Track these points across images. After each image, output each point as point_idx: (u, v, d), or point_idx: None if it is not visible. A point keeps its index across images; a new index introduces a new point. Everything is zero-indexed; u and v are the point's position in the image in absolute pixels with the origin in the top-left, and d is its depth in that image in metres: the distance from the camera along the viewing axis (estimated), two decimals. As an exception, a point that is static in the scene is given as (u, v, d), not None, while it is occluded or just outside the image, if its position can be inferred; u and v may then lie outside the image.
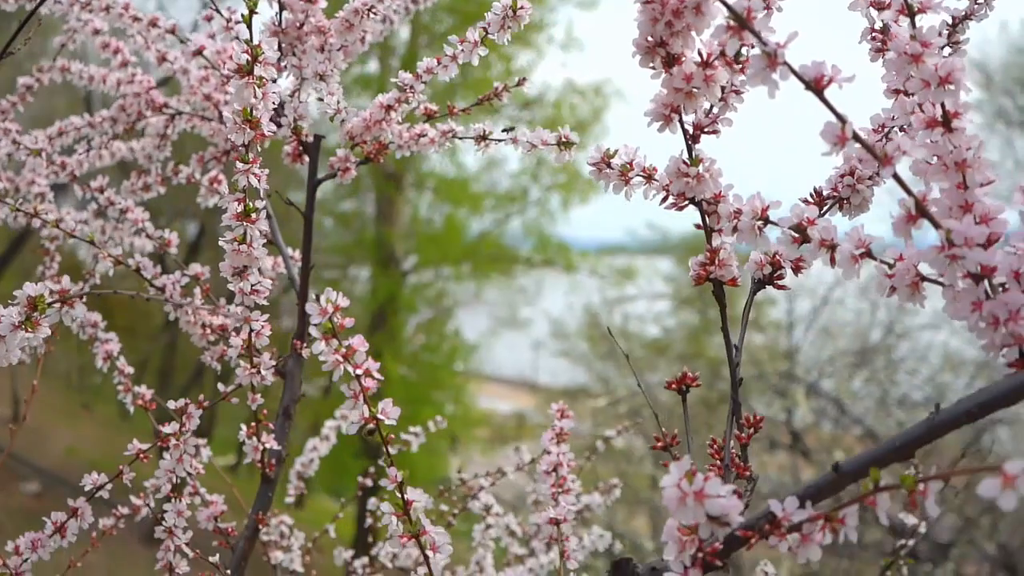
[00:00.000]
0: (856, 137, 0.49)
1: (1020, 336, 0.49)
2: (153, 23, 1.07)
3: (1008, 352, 0.50)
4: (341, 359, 0.60)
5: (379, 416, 0.61)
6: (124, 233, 1.12)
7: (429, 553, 0.63)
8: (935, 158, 0.53)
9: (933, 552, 5.83)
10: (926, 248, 0.51)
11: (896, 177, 0.50)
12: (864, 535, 6.37)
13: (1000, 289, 0.51)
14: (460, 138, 0.95)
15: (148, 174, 1.19)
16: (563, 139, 0.83)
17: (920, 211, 0.50)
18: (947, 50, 0.71)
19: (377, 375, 0.61)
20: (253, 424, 0.94)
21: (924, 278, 0.53)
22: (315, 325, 0.59)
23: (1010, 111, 9.02)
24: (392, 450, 0.65)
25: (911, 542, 1.08)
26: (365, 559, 1.36)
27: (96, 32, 1.17)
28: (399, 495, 0.63)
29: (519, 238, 11.61)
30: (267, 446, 0.95)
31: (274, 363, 0.89)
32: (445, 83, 0.99)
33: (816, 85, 0.49)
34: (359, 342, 0.61)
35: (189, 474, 0.96)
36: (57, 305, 0.65)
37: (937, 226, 0.50)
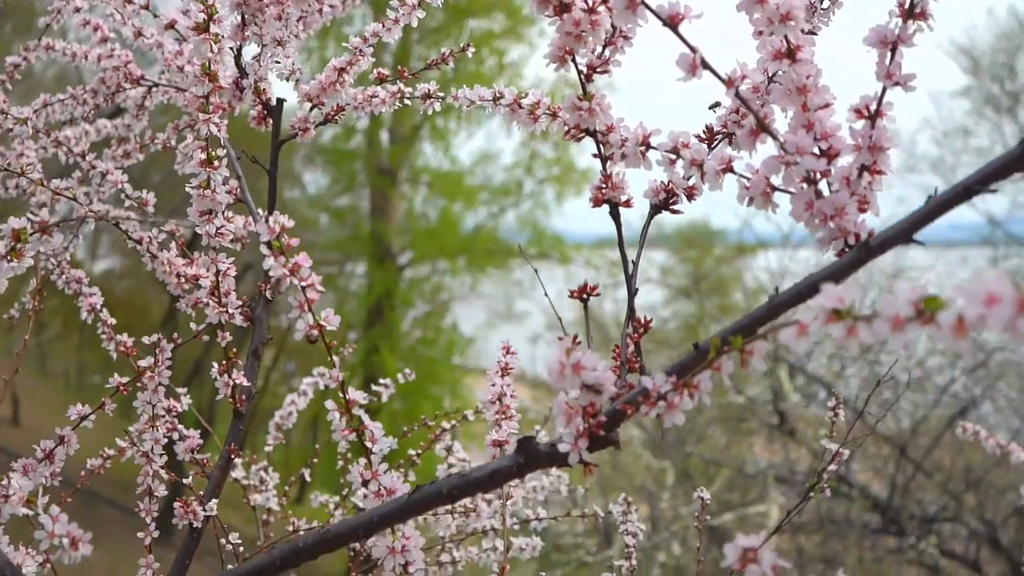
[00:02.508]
0: (704, 64, 0.58)
1: (845, 229, 0.59)
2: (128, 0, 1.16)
3: (835, 243, 0.59)
4: (288, 273, 0.69)
5: (322, 323, 0.71)
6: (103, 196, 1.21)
7: (368, 444, 0.73)
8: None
9: (919, 527, 5.94)
10: (768, 157, 0.60)
11: (739, 97, 0.59)
12: (850, 515, 6.48)
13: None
14: (408, 98, 1.04)
15: (127, 142, 1.28)
16: (497, 95, 0.92)
17: (761, 127, 0.60)
18: (826, 2, 0.80)
19: (320, 287, 0.70)
20: (224, 362, 1.03)
21: (774, 188, 0.62)
22: (264, 243, 0.69)
23: (998, 97, 9.10)
24: (336, 359, 0.74)
25: (832, 467, 1.18)
26: (337, 498, 1.46)
27: (77, 10, 1.26)
28: (341, 395, 0.73)
29: (514, 231, 11.71)
30: (237, 383, 1.04)
31: (240, 303, 0.98)
32: (440, 76, 1.09)
33: (672, 22, 0.59)
34: (303, 259, 0.70)
35: (167, 410, 1.06)
36: (38, 235, 0.74)
37: (775, 138, 0.59)
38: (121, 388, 0.99)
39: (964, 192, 0.54)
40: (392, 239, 10.91)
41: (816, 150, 0.60)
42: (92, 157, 1.22)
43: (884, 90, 0.60)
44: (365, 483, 0.72)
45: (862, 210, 0.59)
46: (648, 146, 0.69)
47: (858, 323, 0.45)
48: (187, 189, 0.88)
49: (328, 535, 0.67)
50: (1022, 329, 0.37)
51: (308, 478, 1.48)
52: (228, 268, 0.94)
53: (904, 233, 0.55)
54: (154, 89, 1.28)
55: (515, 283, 11.92)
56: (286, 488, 1.42)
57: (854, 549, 6.24)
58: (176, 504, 1.02)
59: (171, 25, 1.11)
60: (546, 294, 0.97)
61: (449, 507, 1.22)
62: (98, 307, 1.18)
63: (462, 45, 1.07)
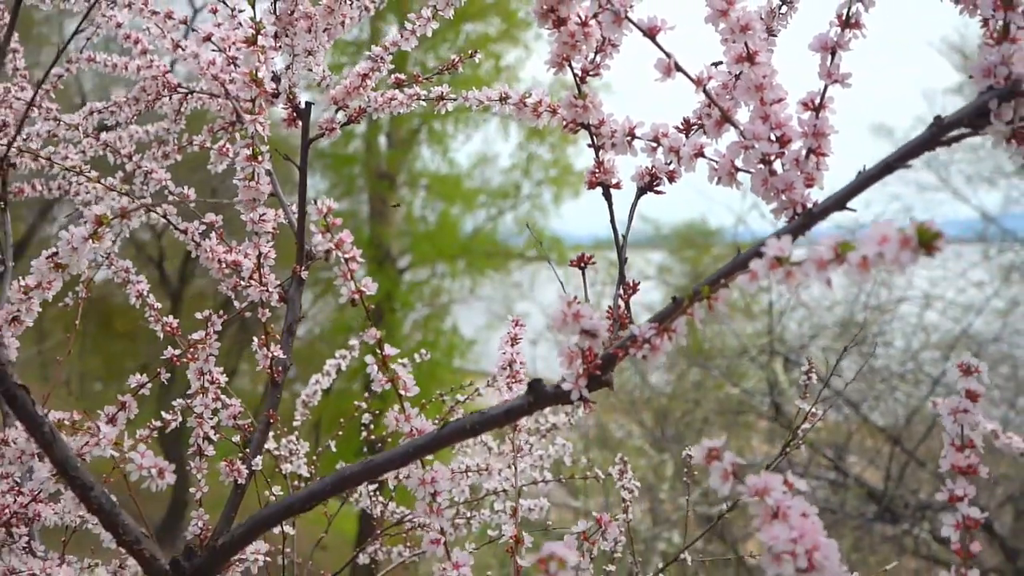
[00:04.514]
0: (677, 67, 0.71)
1: (794, 201, 0.72)
2: (168, 15, 1.29)
3: (786, 212, 0.72)
4: (334, 247, 0.82)
5: (362, 288, 0.84)
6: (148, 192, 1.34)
7: (402, 392, 0.86)
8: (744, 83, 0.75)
9: (913, 515, 6.07)
10: (731, 143, 0.74)
11: (707, 94, 0.72)
12: (845, 504, 6.61)
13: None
14: (424, 100, 1.17)
15: (167, 144, 1.41)
16: (503, 95, 1.05)
17: (725, 118, 0.73)
18: (784, 8, 0.93)
19: (359, 259, 0.83)
20: (263, 336, 1.16)
21: (737, 168, 0.76)
22: (313, 222, 0.82)
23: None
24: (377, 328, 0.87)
25: (807, 426, 1.30)
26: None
27: (119, 25, 1.39)
28: (379, 351, 0.86)
29: (512, 233, 11.84)
30: (275, 355, 1.17)
31: (279, 283, 1.11)
32: (437, 80, 1.22)
33: (651, 33, 0.72)
34: (346, 235, 0.83)
35: (211, 381, 1.18)
36: (118, 219, 0.87)
37: (736, 127, 0.72)
38: (174, 360, 1.12)
39: (886, 168, 0.67)
40: (391, 243, 11.03)
41: (771, 137, 0.73)
42: (138, 158, 1.35)
43: (825, 87, 0.73)
44: (398, 425, 0.85)
45: (808, 185, 0.72)
46: (634, 136, 0.82)
47: (793, 267, 0.58)
48: (234, 181, 1.01)
49: (371, 464, 0.80)
50: (904, 261, 0.50)
51: (334, 448, 1.61)
52: (269, 251, 1.07)
53: (839, 203, 0.69)
54: (190, 96, 1.41)
55: (514, 285, 12.04)
56: (314, 457, 1.55)
57: (849, 537, 6.37)
58: (222, 464, 1.15)
59: (208, 38, 1.24)
60: (560, 282, 1.10)
61: (466, 469, 1.35)
62: (145, 292, 1.31)
63: (469, 51, 1.20)
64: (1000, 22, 0.65)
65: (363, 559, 1.58)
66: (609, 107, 0.86)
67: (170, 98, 1.42)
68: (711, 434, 7.98)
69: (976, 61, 0.65)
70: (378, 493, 1.62)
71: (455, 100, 1.14)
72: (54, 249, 0.89)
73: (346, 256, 0.82)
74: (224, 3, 1.17)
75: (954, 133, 0.66)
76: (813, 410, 1.30)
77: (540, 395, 0.78)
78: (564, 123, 0.83)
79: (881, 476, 6.83)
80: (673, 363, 8.02)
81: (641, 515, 6.79)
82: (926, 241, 0.49)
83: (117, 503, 0.80)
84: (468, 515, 1.44)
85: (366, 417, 1.56)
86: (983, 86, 0.65)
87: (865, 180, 0.68)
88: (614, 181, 0.84)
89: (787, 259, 0.58)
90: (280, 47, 1.17)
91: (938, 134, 0.66)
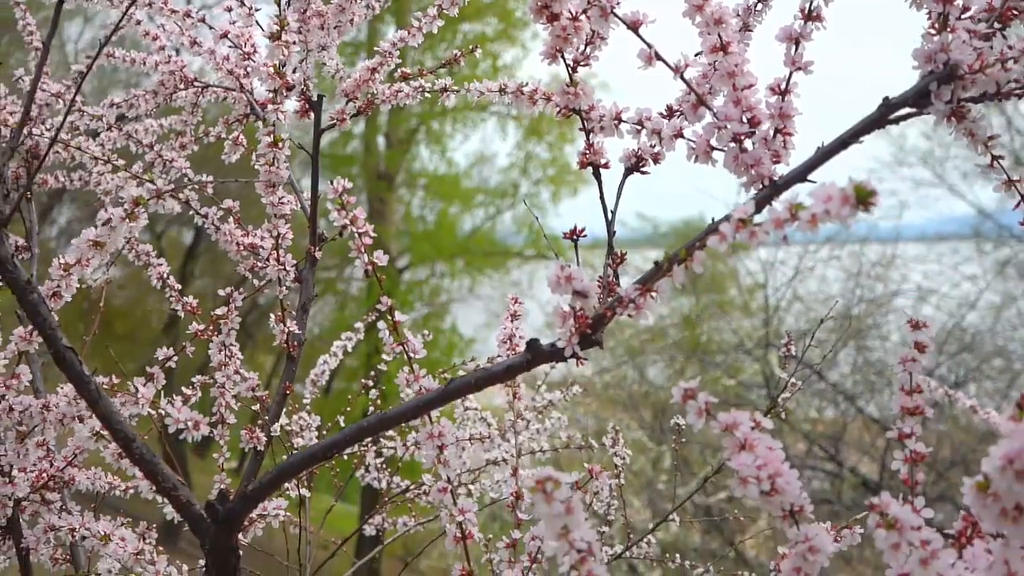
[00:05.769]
0: (658, 56, 0.80)
1: (762, 175, 0.80)
2: (187, 14, 1.37)
3: (755, 185, 0.81)
4: (349, 223, 0.91)
5: (375, 261, 0.92)
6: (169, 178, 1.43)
7: (411, 354, 0.94)
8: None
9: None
10: (707, 124, 0.82)
11: (684, 80, 0.81)
12: (842, 496, 6.72)
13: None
14: (428, 92, 1.26)
15: (184, 135, 1.50)
16: (502, 87, 1.14)
17: (700, 102, 0.82)
18: (760, 5, 1.01)
19: (372, 234, 0.92)
20: (280, 312, 1.24)
21: (712, 147, 0.84)
22: (330, 200, 0.90)
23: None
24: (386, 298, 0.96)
25: (788, 394, 1.39)
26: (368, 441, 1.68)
27: (138, 23, 1.47)
28: (391, 317, 0.94)
29: (510, 232, 11.92)
30: (291, 330, 1.25)
31: (296, 263, 1.20)
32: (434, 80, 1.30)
33: (634, 26, 0.80)
34: (360, 212, 0.92)
35: (231, 355, 1.27)
36: (154, 200, 0.96)
37: (710, 109, 0.81)
38: (199, 334, 1.20)
39: (841, 143, 0.76)
40: (390, 242, 11.12)
41: (742, 118, 0.82)
42: (158, 148, 1.43)
43: (790, 74, 0.82)
44: (408, 384, 0.94)
45: (775, 161, 0.81)
46: (620, 120, 0.90)
47: (755, 227, 0.67)
48: (255, 166, 1.09)
49: (385, 417, 0.89)
50: (845, 215, 0.58)
51: (343, 424, 1.70)
52: (286, 232, 1.15)
53: (800, 175, 0.77)
54: (206, 89, 1.49)
55: (513, 284, 12.12)
56: (324, 431, 1.64)
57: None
58: (242, 432, 1.24)
59: (225, 35, 1.32)
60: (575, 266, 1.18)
61: (469, 436, 1.44)
62: (165, 276, 1.39)
63: (470, 46, 1.29)
64: (940, 14, 0.73)
65: (369, 531, 1.67)
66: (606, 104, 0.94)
67: (186, 92, 1.50)
68: (708, 427, 8.09)
69: (919, 48, 0.74)
70: (385, 466, 1.71)
71: (457, 92, 1.23)
72: (95, 230, 0.97)
73: (360, 231, 0.91)
74: (241, 1, 1.26)
75: (901, 112, 0.75)
76: (793, 380, 1.39)
77: (537, 352, 0.87)
78: (558, 109, 0.92)
79: (876, 467, 6.93)
80: (672, 358, 8.12)
81: (640, 507, 6.89)
82: (862, 198, 0.58)
83: (156, 455, 0.89)
84: (468, 484, 1.52)
85: (373, 394, 1.65)
86: (925, 70, 0.74)
87: (823, 155, 0.76)
88: (603, 161, 0.93)
89: (750, 221, 0.67)
90: (295, 42, 1.25)
91: (886, 113, 0.75)
